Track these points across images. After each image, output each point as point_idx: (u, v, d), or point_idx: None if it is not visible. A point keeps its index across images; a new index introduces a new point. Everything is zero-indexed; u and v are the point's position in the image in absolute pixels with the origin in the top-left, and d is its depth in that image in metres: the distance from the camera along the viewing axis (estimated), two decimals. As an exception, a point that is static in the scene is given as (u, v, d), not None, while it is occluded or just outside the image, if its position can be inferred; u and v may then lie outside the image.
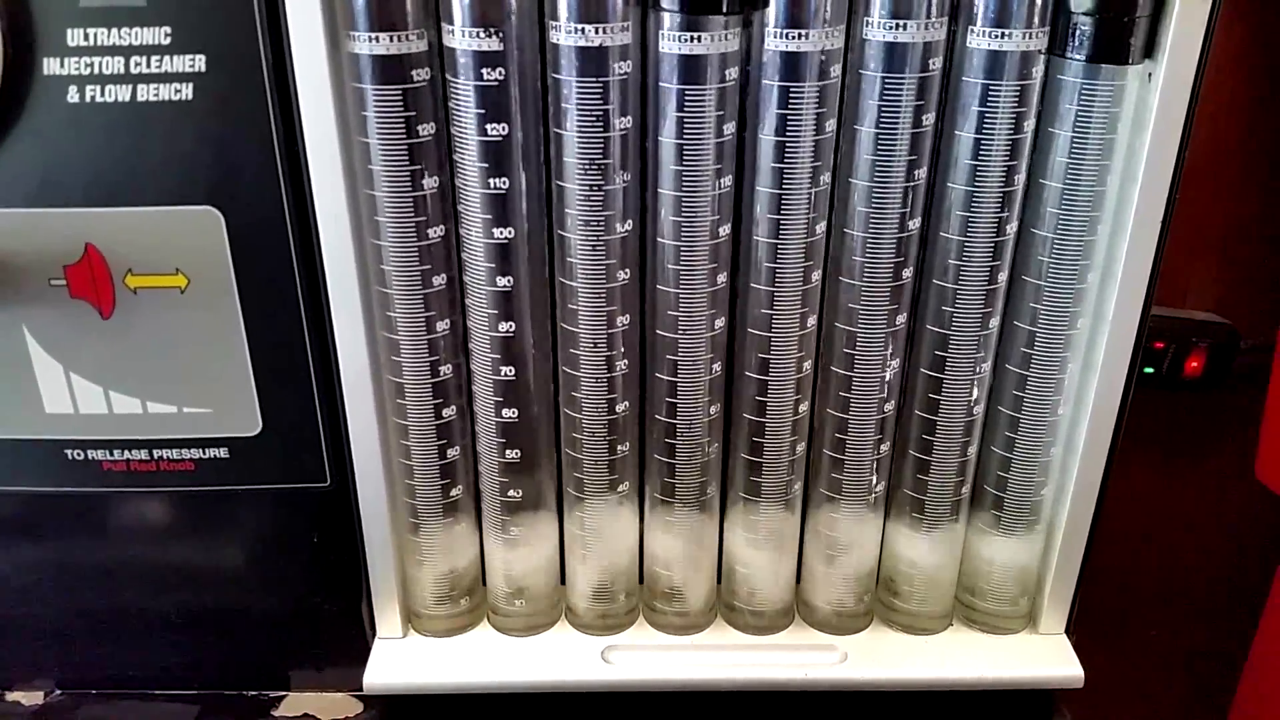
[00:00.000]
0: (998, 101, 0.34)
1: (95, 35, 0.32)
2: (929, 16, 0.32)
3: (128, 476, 0.39)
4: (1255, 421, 0.59)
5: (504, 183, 0.34)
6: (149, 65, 0.32)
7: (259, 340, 0.36)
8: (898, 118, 0.34)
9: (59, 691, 0.44)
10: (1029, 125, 0.34)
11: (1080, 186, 0.35)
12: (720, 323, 0.37)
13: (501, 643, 0.43)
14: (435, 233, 0.35)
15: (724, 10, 0.32)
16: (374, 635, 0.42)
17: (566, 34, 0.32)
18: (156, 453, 0.38)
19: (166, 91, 0.33)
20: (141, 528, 0.40)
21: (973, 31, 0.33)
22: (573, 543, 0.41)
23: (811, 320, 0.37)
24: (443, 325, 0.37)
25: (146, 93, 0.33)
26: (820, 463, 0.40)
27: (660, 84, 0.33)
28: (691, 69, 0.32)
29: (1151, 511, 0.60)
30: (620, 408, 0.38)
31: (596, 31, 0.32)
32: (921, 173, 0.35)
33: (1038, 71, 0.33)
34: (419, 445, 0.38)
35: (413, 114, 0.33)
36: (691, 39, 0.32)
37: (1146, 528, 0.58)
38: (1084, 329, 0.37)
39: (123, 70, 0.32)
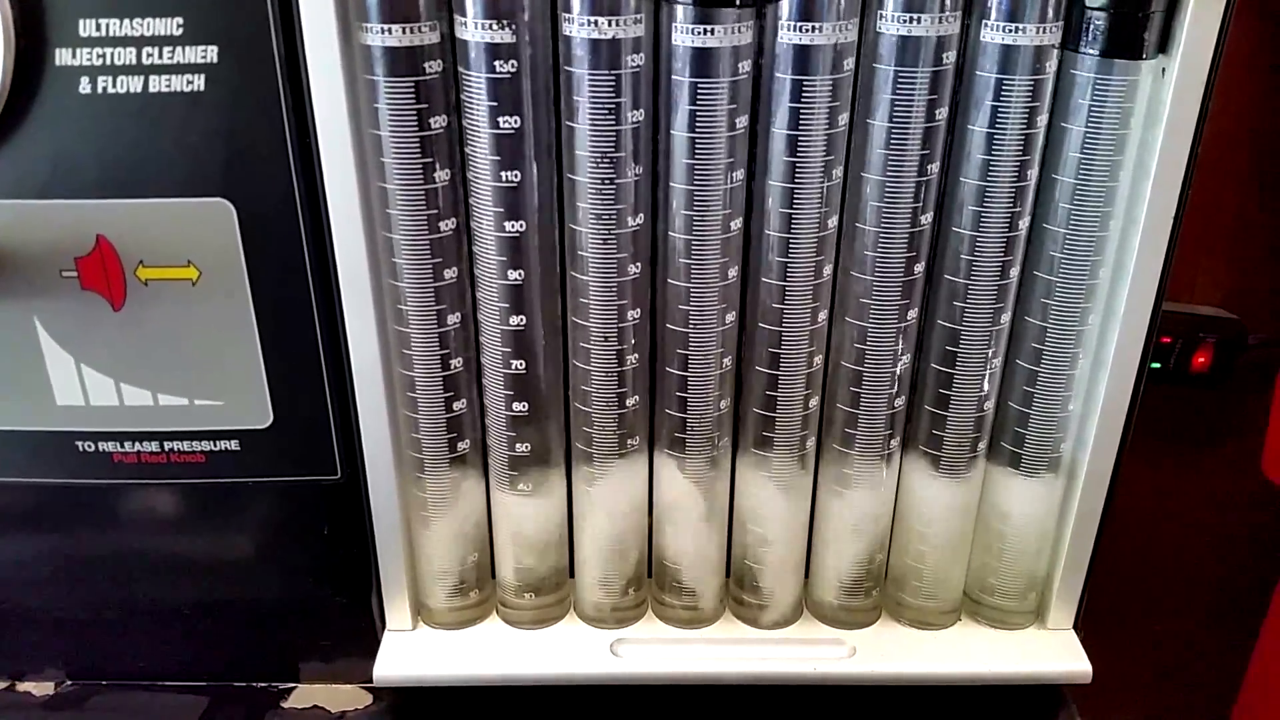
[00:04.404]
0: (1011, 96, 0.33)
1: (107, 26, 0.32)
2: (943, 10, 0.32)
3: (138, 468, 0.39)
4: (1263, 417, 0.59)
5: (516, 176, 0.34)
6: (161, 56, 0.32)
7: (270, 333, 0.36)
8: (910, 112, 0.34)
9: (69, 682, 0.44)
10: (1042, 120, 0.34)
11: (1092, 182, 0.35)
12: (731, 317, 0.37)
13: (510, 635, 0.43)
14: (447, 226, 0.35)
15: (737, 3, 0.32)
16: (383, 627, 0.42)
17: (579, 26, 0.32)
18: (167, 445, 0.38)
19: (178, 82, 0.33)
20: (152, 519, 0.40)
21: (986, 25, 0.33)
22: (582, 534, 0.41)
23: (822, 315, 0.37)
24: (454, 318, 0.37)
25: (158, 84, 0.33)
26: (830, 456, 0.40)
27: (672, 77, 0.33)
28: (704, 62, 0.32)
29: (1158, 507, 0.60)
30: (631, 401, 0.38)
31: (609, 24, 0.32)
32: (934, 167, 0.35)
33: (1051, 66, 0.33)
34: (429, 438, 0.38)
35: (424, 106, 0.33)
36: (704, 32, 0.32)
37: (1153, 523, 0.58)
38: (1095, 325, 0.37)
39: (135, 61, 0.32)
